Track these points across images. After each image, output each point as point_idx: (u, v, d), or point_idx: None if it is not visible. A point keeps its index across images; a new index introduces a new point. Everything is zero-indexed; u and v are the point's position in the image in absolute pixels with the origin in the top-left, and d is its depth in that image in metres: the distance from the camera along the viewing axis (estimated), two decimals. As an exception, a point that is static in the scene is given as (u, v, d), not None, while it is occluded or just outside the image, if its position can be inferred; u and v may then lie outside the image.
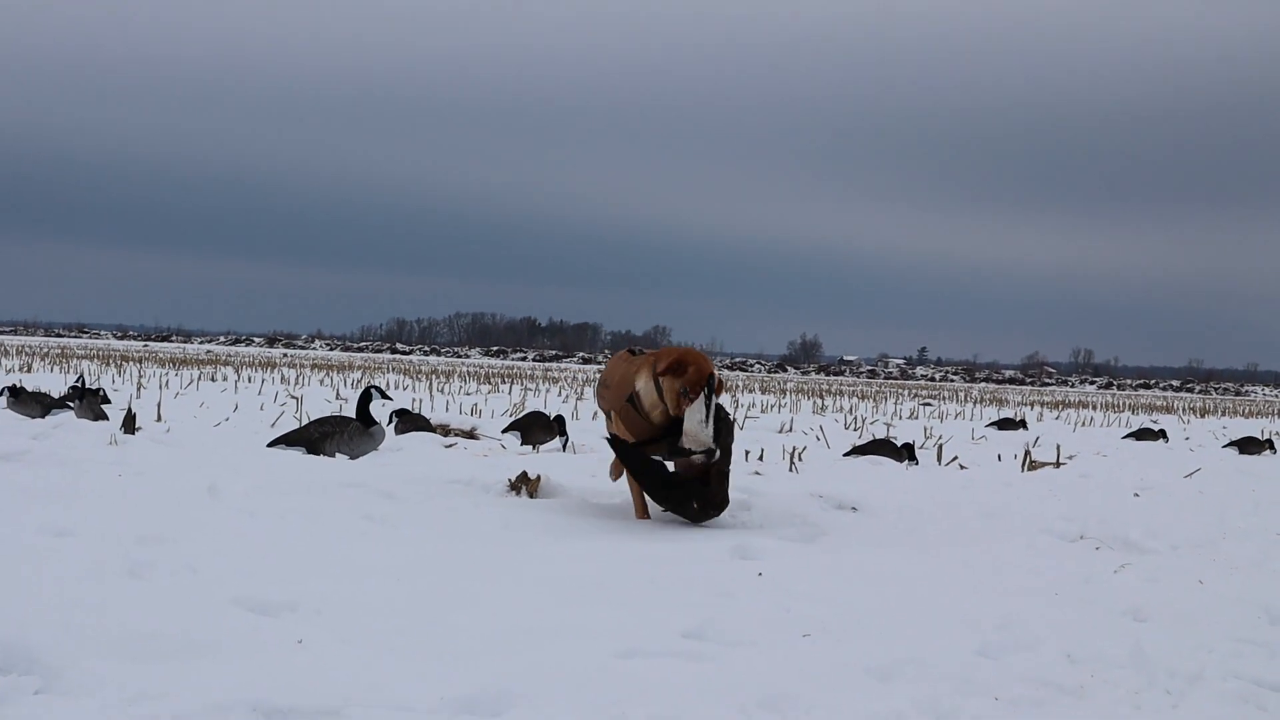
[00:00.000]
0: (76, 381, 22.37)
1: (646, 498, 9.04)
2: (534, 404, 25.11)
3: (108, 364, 38.39)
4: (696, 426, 8.58)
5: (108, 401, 18.02)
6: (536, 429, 15.33)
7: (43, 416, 15.58)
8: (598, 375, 10.43)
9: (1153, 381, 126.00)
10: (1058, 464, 16.05)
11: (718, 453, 8.68)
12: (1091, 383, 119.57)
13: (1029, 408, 40.51)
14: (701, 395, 8.60)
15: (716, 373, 8.77)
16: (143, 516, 7.61)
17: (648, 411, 8.94)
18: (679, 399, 8.71)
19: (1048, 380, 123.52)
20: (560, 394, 31.80)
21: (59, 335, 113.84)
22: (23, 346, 57.97)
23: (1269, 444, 21.16)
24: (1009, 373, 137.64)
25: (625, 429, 9.09)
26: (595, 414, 23.99)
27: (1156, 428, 25.50)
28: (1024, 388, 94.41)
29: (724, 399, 9.25)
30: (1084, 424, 30.87)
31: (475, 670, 4.76)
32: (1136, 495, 11.74)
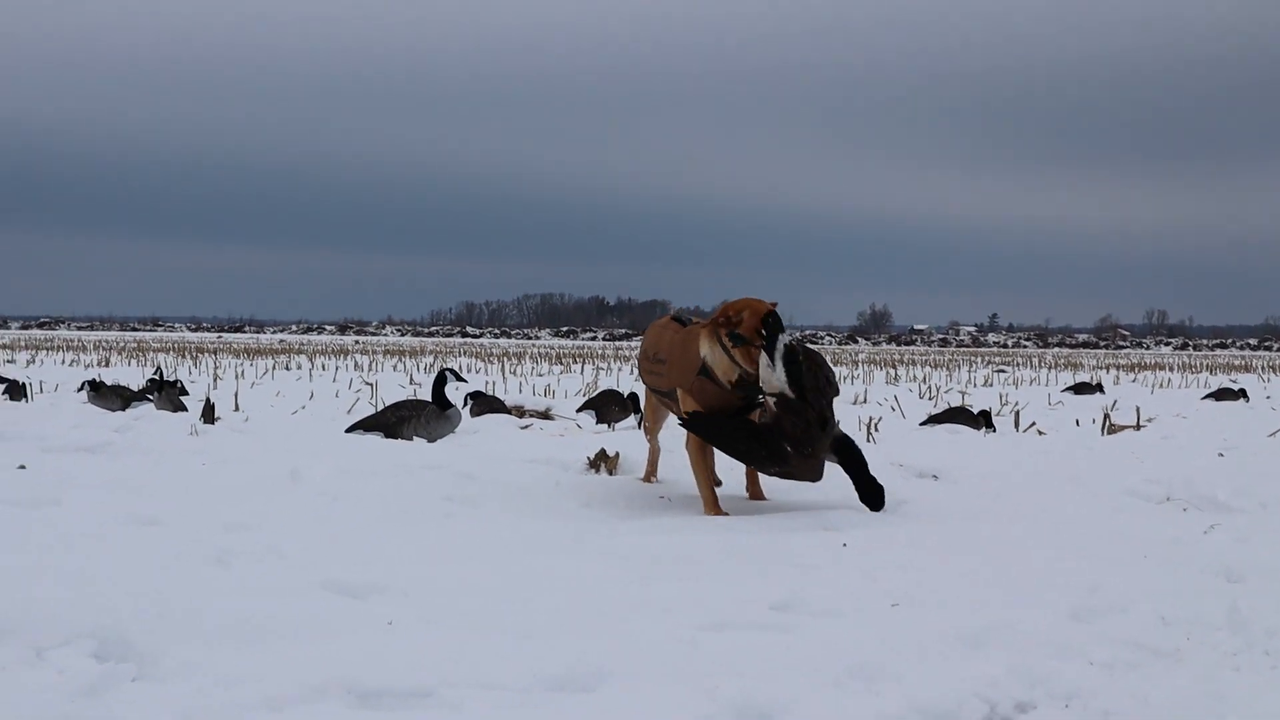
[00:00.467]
0: (154, 374, 22.62)
1: (717, 489, 8.41)
2: (606, 383, 25.13)
3: (183, 356, 38.79)
4: (765, 371, 7.69)
5: (185, 393, 18.20)
6: (611, 407, 15.35)
7: (123, 409, 15.76)
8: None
9: (1229, 341, 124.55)
10: (1138, 426, 15.88)
11: (791, 396, 7.68)
12: (1167, 344, 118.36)
13: (1104, 371, 40.13)
14: (769, 339, 7.68)
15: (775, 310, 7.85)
16: (227, 503, 7.68)
17: (723, 378, 7.97)
18: (747, 352, 7.84)
19: (1122, 343, 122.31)
20: (632, 372, 31.80)
21: (134, 329, 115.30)
22: (99, 342, 58.71)
23: (1353, 400, 20.84)
24: (1082, 336, 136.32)
25: (703, 407, 8.11)
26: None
27: (1236, 387, 25.20)
28: (1098, 351, 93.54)
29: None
30: (1161, 386, 30.54)
31: (566, 647, 4.75)
32: (1221, 455, 11.59)
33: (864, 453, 8.13)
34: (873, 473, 8.10)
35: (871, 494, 8.00)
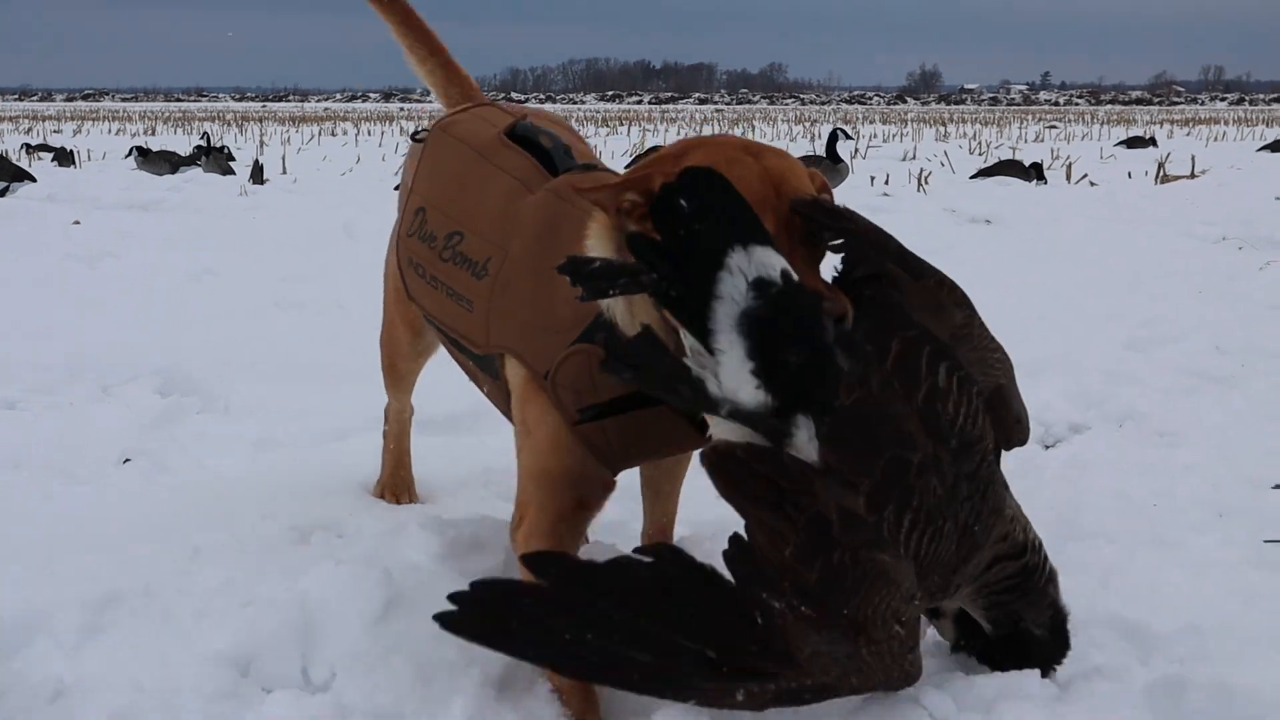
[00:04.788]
0: (201, 140, 22.63)
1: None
2: (652, 142, 24.96)
3: (229, 124, 38.71)
4: (693, 356, 2.18)
5: (233, 158, 18.20)
6: (659, 163, 15.30)
7: (172, 173, 15.80)
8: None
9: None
10: (1192, 176, 15.68)
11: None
12: (1222, 99, 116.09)
13: (1158, 126, 39.47)
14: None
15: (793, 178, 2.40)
16: (282, 255, 7.75)
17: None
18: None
19: (1176, 100, 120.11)
20: (679, 133, 31.57)
21: (179, 100, 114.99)
22: (144, 112, 58.56)
23: None
24: (1135, 94, 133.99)
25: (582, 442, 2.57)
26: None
27: (1294, 138, 24.79)
28: (1152, 108, 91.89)
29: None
30: (1216, 139, 30.06)
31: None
32: (1278, 199, 11.46)
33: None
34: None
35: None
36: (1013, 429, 2.37)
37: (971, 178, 15.75)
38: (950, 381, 2.23)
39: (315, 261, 7.55)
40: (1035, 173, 15.32)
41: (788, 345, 2.10)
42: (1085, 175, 16.22)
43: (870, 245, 2.35)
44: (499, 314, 2.69)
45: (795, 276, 2.13)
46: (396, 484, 3.69)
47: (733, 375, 2.10)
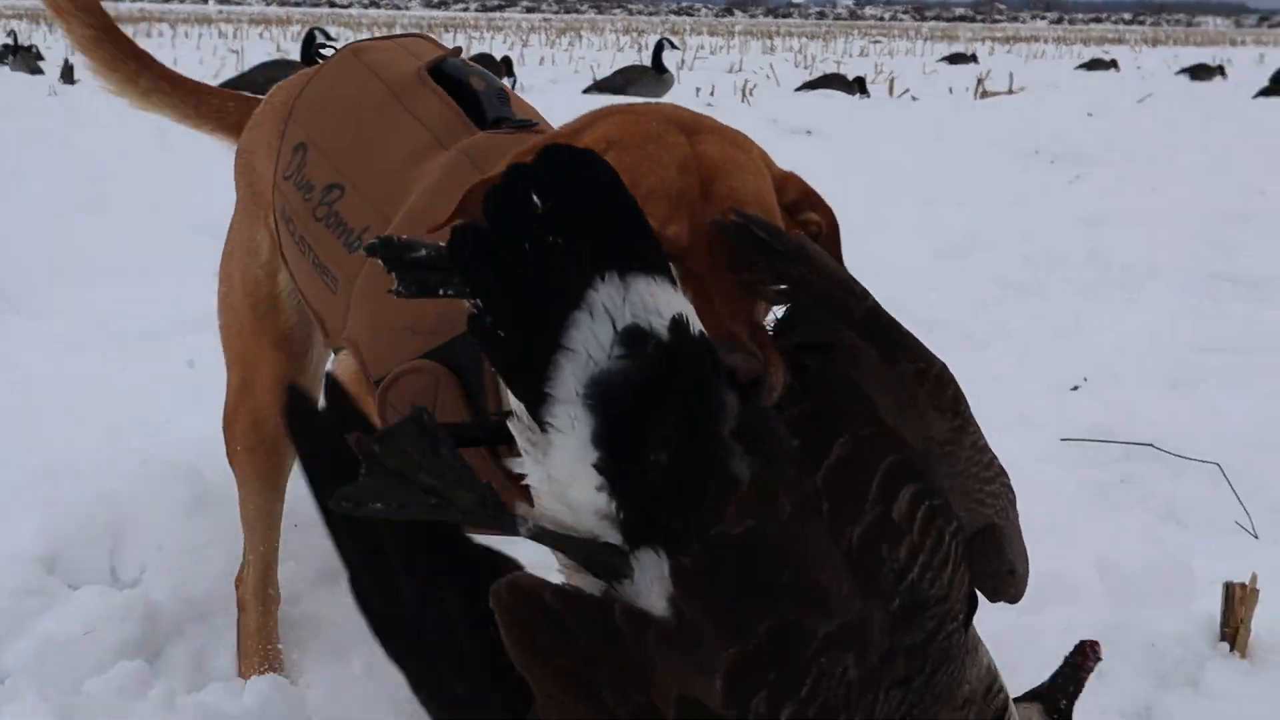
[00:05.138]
0: (7, 38, 21.84)
1: None
2: (479, 48, 24.70)
3: (37, 22, 37.31)
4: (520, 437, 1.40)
5: (41, 58, 17.61)
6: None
7: (-24, 73, 15.27)
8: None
9: (1104, 16, 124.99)
10: (1010, 92, 16.01)
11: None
12: (1043, 18, 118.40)
13: (980, 43, 40.15)
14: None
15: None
16: (94, 158, 7.54)
17: None
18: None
19: (999, 17, 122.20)
20: (505, 41, 31.27)
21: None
22: (-52, 9, 56.29)
23: (1220, 70, 21.14)
24: (959, 11, 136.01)
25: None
26: (541, 59, 23.65)
27: (1108, 58, 25.41)
28: (975, 25, 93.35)
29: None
30: (1036, 57, 30.70)
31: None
32: (1090, 115, 11.77)
33: None
34: None
35: None
36: (1002, 581, 1.62)
37: (796, 90, 15.89)
38: (913, 512, 1.45)
39: (126, 164, 7.37)
40: (859, 86, 15.52)
41: (657, 434, 1.34)
42: (907, 90, 16.46)
43: (821, 302, 1.55)
44: (359, 299, 2.01)
45: (697, 329, 1.37)
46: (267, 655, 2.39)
47: (565, 465, 1.36)
